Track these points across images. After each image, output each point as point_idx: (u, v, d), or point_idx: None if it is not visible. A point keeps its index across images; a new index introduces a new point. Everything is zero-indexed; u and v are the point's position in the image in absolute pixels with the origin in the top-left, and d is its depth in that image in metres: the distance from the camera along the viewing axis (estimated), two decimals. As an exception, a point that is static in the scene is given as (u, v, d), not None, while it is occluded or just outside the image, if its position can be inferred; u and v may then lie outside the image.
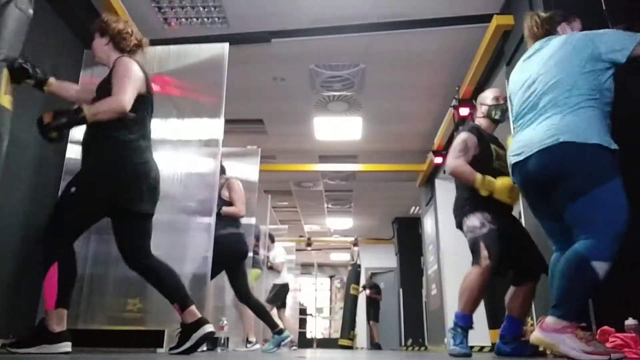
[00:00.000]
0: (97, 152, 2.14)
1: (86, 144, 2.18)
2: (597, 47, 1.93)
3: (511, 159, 2.08)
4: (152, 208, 2.24)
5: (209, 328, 2.14)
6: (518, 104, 2.12)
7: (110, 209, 2.17)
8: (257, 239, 5.61)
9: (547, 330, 1.74)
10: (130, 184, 2.12)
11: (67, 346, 2.01)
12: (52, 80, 2.24)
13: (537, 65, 2.07)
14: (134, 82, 2.14)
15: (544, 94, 1.98)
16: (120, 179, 2.11)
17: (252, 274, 5.34)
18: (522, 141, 2.02)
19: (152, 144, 2.30)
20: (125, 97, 2.07)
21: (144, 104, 2.22)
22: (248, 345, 4.81)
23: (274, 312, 6.26)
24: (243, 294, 3.79)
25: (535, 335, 1.78)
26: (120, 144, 2.12)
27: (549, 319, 1.76)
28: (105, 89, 2.15)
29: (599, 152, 1.83)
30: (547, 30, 2.15)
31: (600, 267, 1.73)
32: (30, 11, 2.04)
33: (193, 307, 2.16)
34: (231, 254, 3.66)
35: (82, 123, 2.10)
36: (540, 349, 2.41)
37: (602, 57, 1.91)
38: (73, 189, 2.09)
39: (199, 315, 2.16)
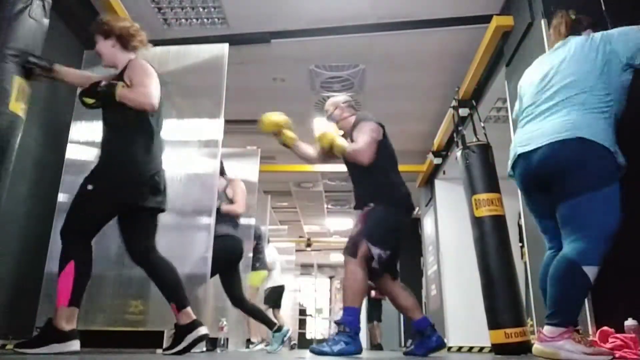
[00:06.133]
0: (110, 150, 2.20)
1: (103, 143, 2.24)
2: (613, 47, 1.93)
3: (517, 149, 2.04)
4: (155, 203, 2.23)
5: (203, 330, 2.13)
6: (532, 93, 2.09)
7: (122, 205, 2.19)
8: (260, 239, 5.58)
9: (545, 341, 1.76)
10: (134, 180, 2.15)
11: (76, 344, 1.99)
12: (57, 67, 2.25)
13: (557, 61, 2.06)
14: (155, 81, 2.18)
15: (561, 90, 1.97)
16: (126, 175, 2.15)
17: (259, 275, 5.31)
18: (531, 132, 2.01)
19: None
20: (153, 93, 2.11)
21: None
22: (250, 346, 4.79)
23: (269, 313, 6.24)
24: (236, 300, 3.74)
25: (536, 347, 1.79)
26: (128, 143, 2.17)
27: (546, 329, 1.77)
28: None
29: (608, 156, 1.83)
30: (571, 32, 2.13)
31: (591, 271, 1.74)
32: (45, 21, 2.04)
33: (189, 309, 2.16)
34: (225, 256, 3.58)
35: (108, 97, 2.11)
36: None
37: (619, 57, 1.91)
38: (90, 187, 2.11)
39: (194, 317, 2.15)
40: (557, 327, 1.74)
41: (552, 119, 1.95)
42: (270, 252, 6.52)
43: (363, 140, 2.70)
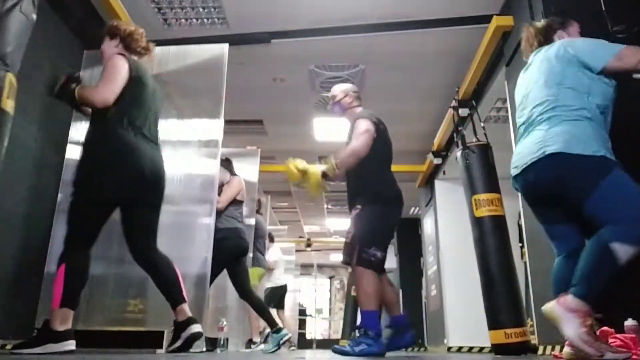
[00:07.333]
0: (86, 149, 2.20)
1: (83, 143, 2.23)
2: (572, 54, 1.96)
3: (512, 171, 2.10)
4: (142, 197, 2.22)
5: (195, 328, 2.13)
6: (517, 117, 2.16)
7: (110, 203, 2.19)
8: (261, 237, 5.57)
9: (561, 305, 1.76)
10: (118, 174, 2.14)
11: (71, 344, 2.01)
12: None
13: (528, 80, 2.11)
14: (119, 76, 2.19)
15: (534, 108, 2.02)
16: (106, 170, 2.14)
17: (254, 272, 5.33)
18: (517, 154, 2.06)
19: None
20: (106, 88, 2.15)
21: (128, 97, 2.22)
22: (252, 346, 4.78)
23: (273, 313, 6.23)
24: (244, 291, 3.75)
25: (548, 306, 1.81)
26: (103, 137, 2.18)
27: (569, 297, 1.77)
28: None
29: (589, 159, 1.83)
30: (541, 40, 2.16)
31: (622, 249, 1.71)
32: (34, 16, 2.05)
33: (184, 306, 2.17)
34: (230, 248, 3.61)
35: (69, 95, 2.19)
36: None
37: (578, 62, 1.94)
38: (71, 192, 2.14)
39: (189, 315, 2.17)
40: (578, 299, 1.74)
41: (529, 139, 2.01)
42: (273, 252, 6.51)
43: (359, 139, 2.79)
